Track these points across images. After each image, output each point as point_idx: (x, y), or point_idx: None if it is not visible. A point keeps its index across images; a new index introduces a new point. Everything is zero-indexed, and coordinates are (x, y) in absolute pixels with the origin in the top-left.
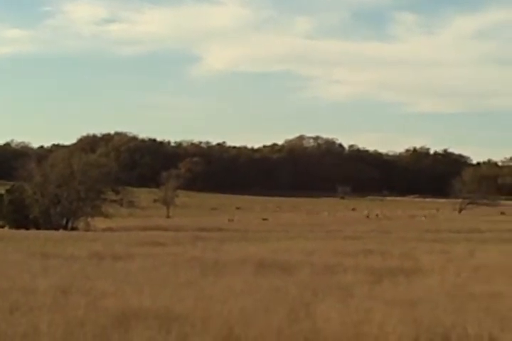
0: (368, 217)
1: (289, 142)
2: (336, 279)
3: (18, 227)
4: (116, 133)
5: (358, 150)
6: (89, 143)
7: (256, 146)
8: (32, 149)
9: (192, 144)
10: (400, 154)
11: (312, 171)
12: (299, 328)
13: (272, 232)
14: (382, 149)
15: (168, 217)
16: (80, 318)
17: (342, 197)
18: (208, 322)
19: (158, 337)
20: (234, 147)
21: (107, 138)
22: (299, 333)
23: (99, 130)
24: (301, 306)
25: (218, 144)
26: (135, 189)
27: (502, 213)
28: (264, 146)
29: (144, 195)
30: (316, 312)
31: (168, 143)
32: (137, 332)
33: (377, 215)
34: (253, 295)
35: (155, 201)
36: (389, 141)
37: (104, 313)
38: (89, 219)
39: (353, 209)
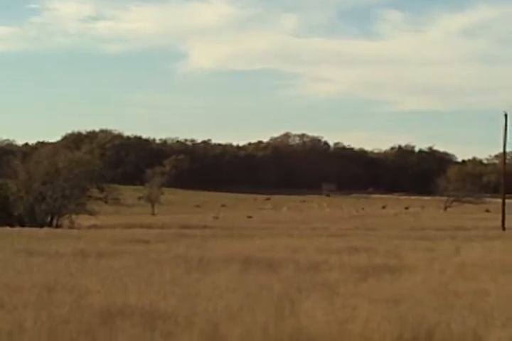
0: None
1: (274, 140)
2: (320, 277)
3: (2, 225)
4: (101, 131)
5: (344, 147)
6: (74, 141)
7: (241, 144)
8: (17, 146)
9: (177, 142)
10: (385, 152)
11: (297, 169)
12: (284, 326)
13: (257, 229)
14: (368, 147)
15: (153, 214)
16: (65, 316)
17: (327, 195)
18: (192, 320)
19: (142, 335)
20: (219, 144)
21: (91, 135)
22: (284, 331)
23: (84, 127)
24: (286, 303)
25: (203, 142)
26: (120, 186)
27: (487, 211)
28: (250, 144)
29: (128, 193)
30: (300, 309)
31: (153, 140)
32: (122, 330)
33: (360, 210)
34: (238, 292)
35: (140, 198)
36: (374, 139)
37: (89, 311)
38: (73, 217)
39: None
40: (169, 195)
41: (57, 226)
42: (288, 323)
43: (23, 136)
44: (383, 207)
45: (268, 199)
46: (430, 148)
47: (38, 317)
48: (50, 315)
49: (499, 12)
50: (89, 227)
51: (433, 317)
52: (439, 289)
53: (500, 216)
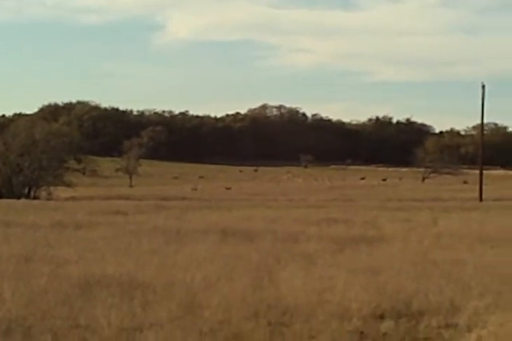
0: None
1: (252, 111)
2: (299, 247)
3: None
4: (79, 102)
5: (321, 119)
6: (51, 112)
7: (219, 115)
8: None
9: (155, 113)
10: (363, 123)
11: (275, 140)
12: (262, 295)
13: (235, 201)
14: (346, 118)
15: (130, 186)
16: (43, 286)
17: (305, 166)
18: (170, 290)
19: (121, 305)
20: (197, 116)
21: (69, 107)
22: (262, 300)
23: (61, 99)
24: (264, 274)
25: (181, 113)
26: (97, 158)
27: (465, 182)
28: (227, 115)
29: (106, 164)
30: (279, 279)
31: (131, 112)
32: (100, 300)
33: (338, 182)
34: (216, 262)
35: (117, 170)
36: (352, 110)
37: (67, 281)
38: (51, 189)
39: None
40: (147, 166)
41: (34, 198)
42: (266, 293)
43: None
44: (362, 179)
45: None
46: (408, 120)
47: (16, 288)
48: (28, 286)
49: None
50: (67, 199)
51: (411, 286)
52: (416, 259)
53: (477, 187)
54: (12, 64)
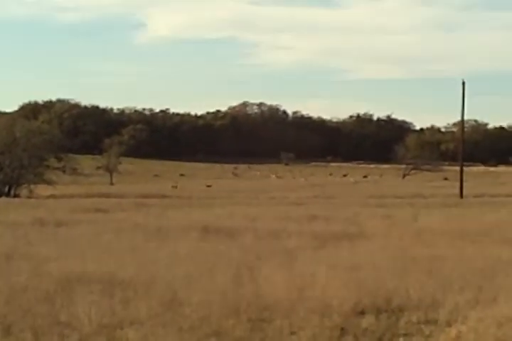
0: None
1: (232, 109)
2: (279, 244)
3: None
4: (59, 101)
5: (302, 116)
6: (31, 111)
7: (199, 113)
8: None
9: (135, 111)
10: (344, 120)
11: (256, 138)
12: (243, 292)
13: (216, 199)
14: (326, 116)
15: (111, 184)
16: (23, 283)
17: (286, 164)
18: (151, 287)
19: (101, 302)
20: (177, 114)
21: (49, 105)
22: (243, 297)
23: (41, 97)
24: (245, 271)
25: (161, 111)
26: (78, 156)
27: (445, 179)
28: (208, 113)
29: (87, 162)
30: (260, 276)
31: (111, 110)
32: (81, 297)
33: (318, 179)
34: (197, 260)
35: (98, 168)
36: (333, 108)
37: (48, 278)
38: (32, 187)
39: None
40: (127, 164)
41: (15, 196)
42: (247, 289)
43: None
44: (345, 175)
45: (226, 168)
46: (388, 117)
47: None
48: (8, 283)
49: None
50: (48, 197)
51: (391, 282)
52: (397, 255)
53: (458, 184)
54: None
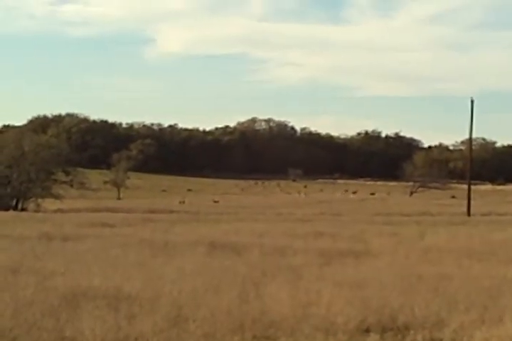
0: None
1: (240, 124)
2: (285, 261)
3: None
4: (68, 115)
5: (310, 133)
6: (40, 124)
7: (208, 129)
8: None
9: (144, 126)
10: (352, 137)
11: (264, 154)
12: (248, 309)
13: (223, 214)
14: (334, 132)
15: (118, 198)
16: (29, 297)
17: (294, 180)
18: (157, 303)
19: (106, 317)
20: (186, 129)
21: (58, 119)
22: (248, 314)
23: (50, 111)
24: (250, 287)
25: (170, 126)
26: (86, 170)
27: (453, 197)
28: (216, 128)
29: (94, 177)
30: (265, 293)
31: (120, 124)
32: (86, 312)
33: (326, 195)
34: (203, 275)
35: (106, 183)
36: (341, 124)
37: (54, 293)
38: (39, 201)
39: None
40: (135, 179)
41: (22, 210)
42: (252, 306)
43: None
44: (354, 193)
45: (235, 184)
46: (397, 134)
47: (2, 299)
48: (14, 297)
49: None
50: (55, 211)
51: (397, 300)
52: (403, 273)
53: (465, 202)
54: (1, 75)
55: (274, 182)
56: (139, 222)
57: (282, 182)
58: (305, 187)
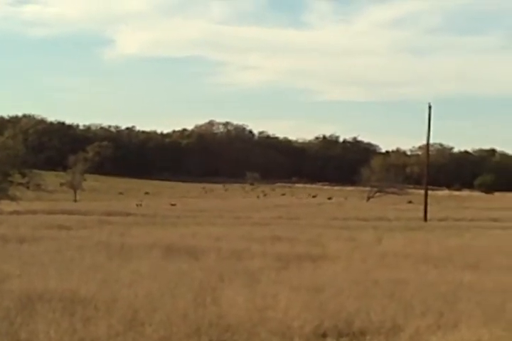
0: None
1: (198, 127)
2: (242, 265)
3: None
4: (24, 116)
5: (268, 136)
6: None
7: (166, 131)
8: None
9: (101, 128)
10: (310, 141)
11: (221, 157)
12: (205, 313)
13: (180, 218)
14: (292, 136)
15: (75, 200)
16: None
17: (251, 184)
18: (112, 306)
19: (62, 320)
20: (143, 132)
21: (14, 120)
22: (204, 318)
23: (6, 112)
24: (207, 291)
25: (127, 128)
26: (42, 172)
27: (409, 202)
28: (174, 131)
29: (51, 179)
30: (222, 297)
31: (77, 126)
32: (41, 315)
33: (283, 199)
34: (159, 279)
35: (62, 185)
36: (299, 129)
37: (9, 296)
38: None
39: (264, 195)
40: (92, 181)
41: None
42: (208, 310)
43: None
44: (313, 197)
45: (192, 187)
46: (354, 139)
47: None
48: None
49: (426, 4)
50: (11, 213)
51: (353, 305)
52: (359, 278)
53: (422, 207)
54: None
55: (232, 186)
56: (96, 225)
57: (240, 186)
58: (262, 191)
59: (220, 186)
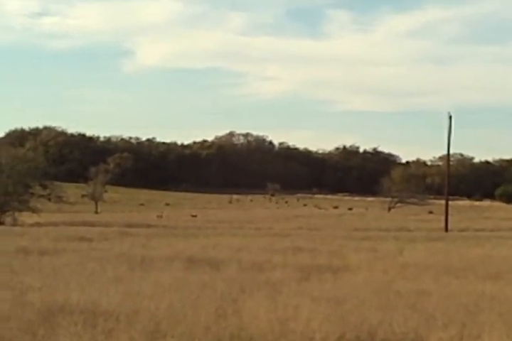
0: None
1: (219, 139)
2: (264, 276)
3: None
4: (45, 128)
5: (288, 147)
6: (17, 138)
7: (186, 142)
8: None
9: (121, 139)
10: (330, 152)
11: (242, 168)
12: (226, 324)
13: (201, 229)
14: (313, 147)
15: (96, 212)
16: (6, 313)
17: (272, 195)
18: (134, 318)
19: (83, 333)
20: (164, 143)
21: (35, 132)
22: (225, 329)
23: (27, 124)
24: (228, 302)
25: (148, 140)
26: (63, 184)
27: (430, 212)
28: (194, 143)
29: (72, 190)
30: (243, 308)
31: (98, 138)
32: (63, 327)
33: (304, 210)
34: (181, 291)
35: (83, 196)
36: (319, 139)
37: (30, 308)
38: (16, 214)
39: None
40: (113, 193)
41: None
42: (230, 322)
43: None
44: (335, 207)
45: (212, 198)
46: (375, 149)
47: None
48: None
49: (446, 13)
50: (32, 225)
51: (375, 317)
52: (381, 289)
53: (443, 217)
54: None
55: (252, 197)
56: (117, 236)
57: (260, 197)
58: (286, 202)
59: (242, 197)
